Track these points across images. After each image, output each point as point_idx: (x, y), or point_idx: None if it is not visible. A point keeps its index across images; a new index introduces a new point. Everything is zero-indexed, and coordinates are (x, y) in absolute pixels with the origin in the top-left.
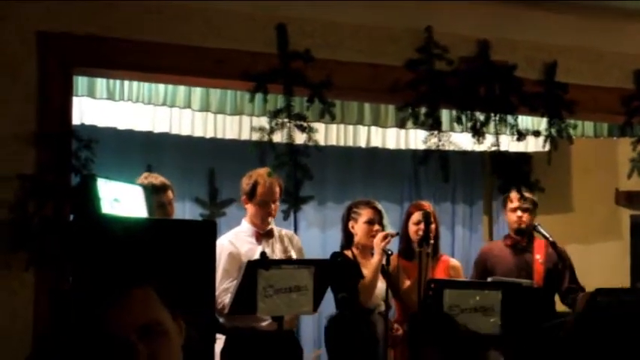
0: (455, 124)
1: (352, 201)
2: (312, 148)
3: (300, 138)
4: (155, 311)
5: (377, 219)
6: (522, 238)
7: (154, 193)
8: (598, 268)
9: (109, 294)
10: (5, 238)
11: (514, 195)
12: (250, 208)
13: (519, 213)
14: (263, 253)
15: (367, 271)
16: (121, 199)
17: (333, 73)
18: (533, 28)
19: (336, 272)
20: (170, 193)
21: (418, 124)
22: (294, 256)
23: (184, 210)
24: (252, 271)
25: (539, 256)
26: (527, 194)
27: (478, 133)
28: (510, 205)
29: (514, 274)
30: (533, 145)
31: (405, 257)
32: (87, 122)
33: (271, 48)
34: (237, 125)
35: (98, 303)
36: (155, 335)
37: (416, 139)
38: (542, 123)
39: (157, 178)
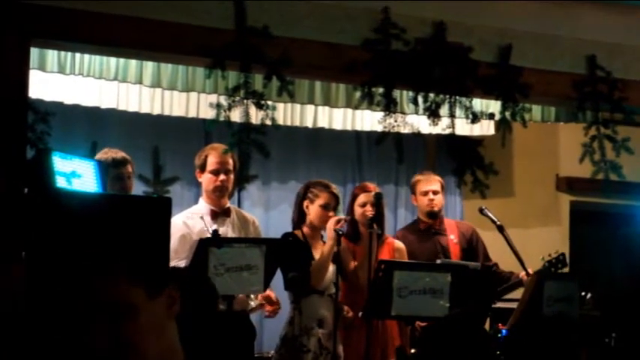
0: (408, 106)
1: (309, 180)
2: (268, 126)
3: (254, 116)
4: None
5: (333, 205)
6: (435, 221)
7: (113, 166)
8: (537, 253)
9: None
10: None
11: (422, 177)
12: (204, 180)
13: (431, 196)
14: (215, 231)
15: (318, 254)
16: (80, 173)
17: (289, 51)
18: (488, 11)
19: (287, 252)
20: (130, 168)
21: (374, 105)
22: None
23: None
24: (204, 249)
25: (453, 237)
26: (435, 176)
27: (433, 114)
28: (421, 189)
29: (433, 258)
30: (478, 128)
31: (351, 239)
32: (33, 96)
33: (228, 24)
34: (185, 102)
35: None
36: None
37: (362, 120)
38: (490, 107)
39: (117, 153)
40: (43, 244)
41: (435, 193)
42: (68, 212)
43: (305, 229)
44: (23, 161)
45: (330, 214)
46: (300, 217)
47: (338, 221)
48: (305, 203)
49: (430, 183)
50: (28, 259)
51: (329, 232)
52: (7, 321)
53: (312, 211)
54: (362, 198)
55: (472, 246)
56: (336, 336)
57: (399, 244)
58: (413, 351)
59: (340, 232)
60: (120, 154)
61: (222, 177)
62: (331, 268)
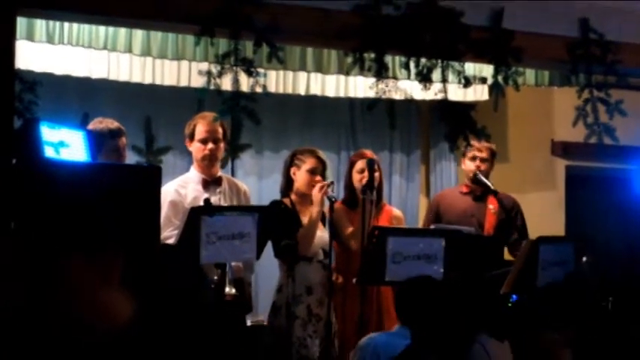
0: (400, 71)
1: (296, 148)
2: (259, 94)
3: (245, 84)
4: None
5: (319, 169)
6: (478, 187)
7: (110, 137)
8: (533, 218)
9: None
10: None
11: (475, 143)
12: (193, 148)
13: (478, 162)
14: (207, 200)
15: (306, 220)
16: (69, 143)
17: (280, 17)
18: None
19: (278, 220)
20: (124, 139)
21: (365, 70)
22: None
23: None
24: (196, 217)
25: (492, 207)
26: (486, 144)
27: (425, 79)
28: (469, 154)
29: (464, 221)
30: (471, 94)
31: (349, 206)
32: (23, 67)
33: None
34: (176, 71)
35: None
36: None
37: (355, 87)
38: (482, 71)
39: (112, 123)
40: (32, 215)
41: (482, 160)
42: (56, 182)
43: (293, 197)
44: (10, 131)
45: (317, 178)
46: (287, 184)
47: (322, 187)
48: (292, 170)
49: (479, 149)
50: (16, 230)
51: (315, 198)
52: None
53: (299, 177)
54: (359, 164)
55: (510, 220)
56: (330, 303)
57: (397, 212)
58: None
59: (333, 199)
60: (115, 124)
61: (210, 145)
62: (321, 234)
